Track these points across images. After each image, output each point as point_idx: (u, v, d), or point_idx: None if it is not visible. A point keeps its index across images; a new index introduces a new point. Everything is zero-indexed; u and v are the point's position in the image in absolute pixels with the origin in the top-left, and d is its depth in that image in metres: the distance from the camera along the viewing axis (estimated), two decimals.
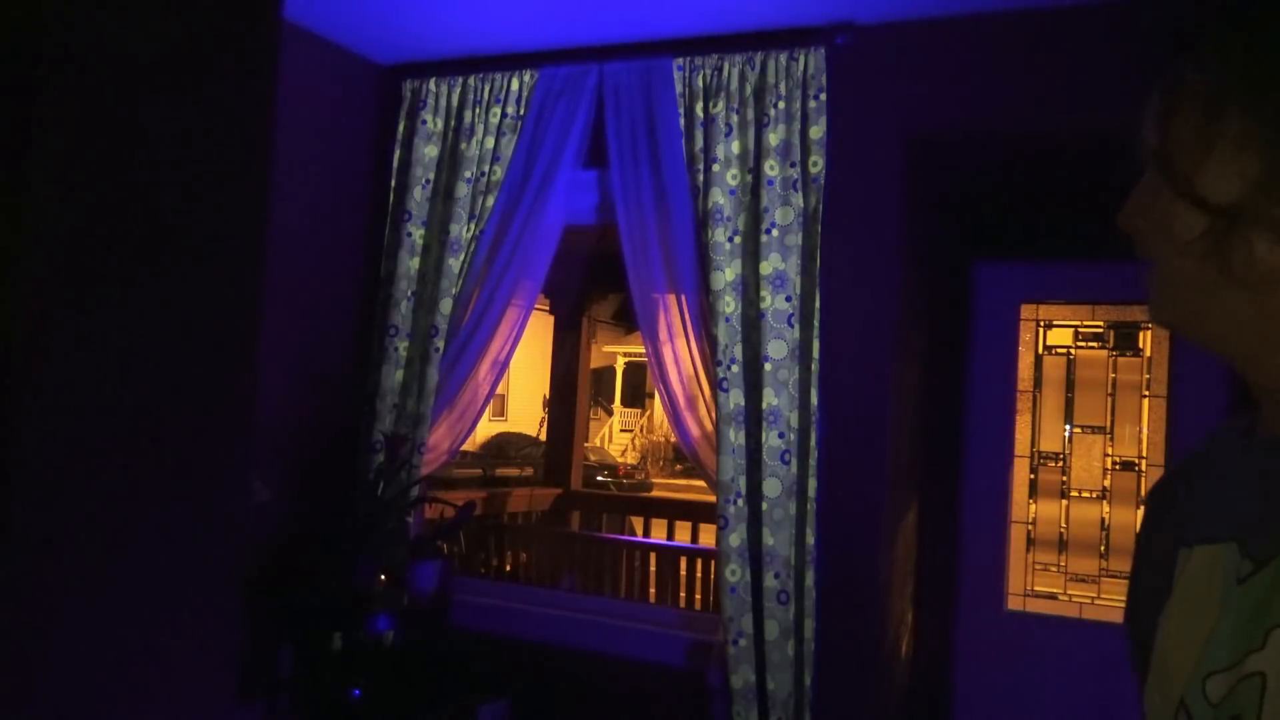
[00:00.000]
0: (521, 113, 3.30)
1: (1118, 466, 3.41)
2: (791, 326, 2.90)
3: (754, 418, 2.92)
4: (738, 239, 2.98)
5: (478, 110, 3.34)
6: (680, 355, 3.12)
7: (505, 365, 3.44)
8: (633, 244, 3.15)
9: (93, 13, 1.25)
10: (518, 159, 3.30)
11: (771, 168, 2.92)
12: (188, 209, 1.40)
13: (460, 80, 3.38)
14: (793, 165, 2.92)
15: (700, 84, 3.05)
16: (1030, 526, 3.47)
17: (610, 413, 24.33)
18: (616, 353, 23.64)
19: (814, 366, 2.90)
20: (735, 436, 2.92)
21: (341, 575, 3.09)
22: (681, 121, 3.07)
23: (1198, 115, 0.69)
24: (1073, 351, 3.47)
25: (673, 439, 14.98)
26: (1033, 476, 3.49)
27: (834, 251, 2.93)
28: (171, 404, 1.39)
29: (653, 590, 4.69)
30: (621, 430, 24.07)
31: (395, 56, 3.49)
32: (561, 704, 3.26)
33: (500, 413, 20.55)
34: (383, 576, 3.12)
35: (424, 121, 3.40)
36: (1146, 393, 3.38)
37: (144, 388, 1.35)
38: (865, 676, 2.96)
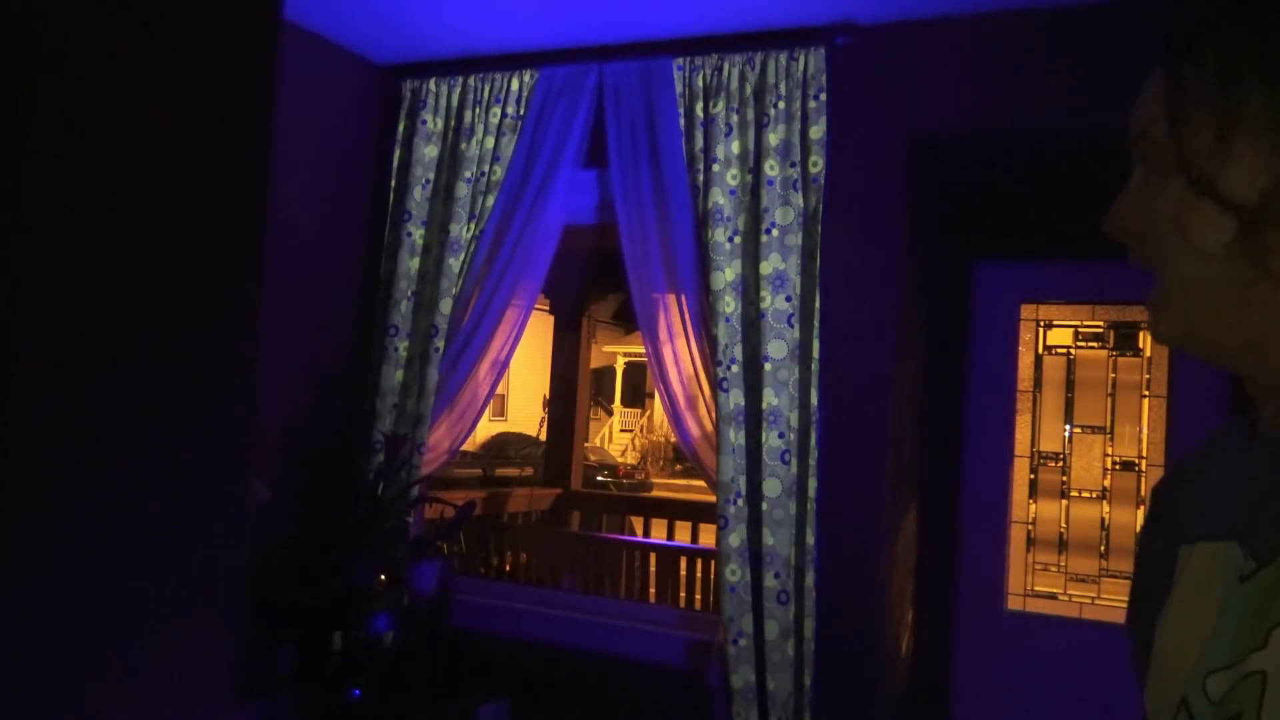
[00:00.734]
0: (521, 113, 3.30)
1: (1118, 466, 3.41)
2: (791, 326, 2.90)
3: (754, 418, 2.92)
4: (738, 239, 2.98)
5: (478, 110, 3.34)
6: (680, 355, 3.12)
7: (505, 365, 3.44)
8: (633, 244, 3.15)
9: (92, 12, 1.25)
10: (518, 159, 3.30)
11: (771, 168, 2.92)
12: (187, 209, 1.40)
13: (460, 80, 3.38)
14: (793, 165, 2.92)
15: (700, 84, 3.05)
16: (1030, 526, 3.47)
17: (610, 413, 24.33)
18: (616, 353, 23.64)
19: (814, 366, 2.90)
20: (735, 436, 2.91)
21: (341, 575, 3.09)
22: (681, 121, 3.07)
23: (1211, 114, 0.68)
24: (1073, 351, 3.48)
25: (673, 439, 14.99)
26: (1033, 476, 3.49)
27: (834, 251, 2.93)
28: (172, 404, 1.39)
29: (653, 590, 4.69)
30: (621, 430, 24.07)
31: (395, 56, 3.49)
32: (561, 704, 3.26)
33: (500, 413, 20.56)
34: (383, 576, 3.12)
35: (424, 121, 3.40)
36: (1146, 393, 3.38)
37: (144, 388, 1.34)
38: (865, 676, 2.96)
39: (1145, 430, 3.38)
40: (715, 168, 2.98)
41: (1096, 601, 3.37)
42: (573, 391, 5.73)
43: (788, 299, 2.90)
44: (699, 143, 3.02)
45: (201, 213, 1.42)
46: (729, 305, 2.95)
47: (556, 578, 4.83)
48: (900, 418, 3.07)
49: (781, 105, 2.93)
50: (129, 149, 1.31)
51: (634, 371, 23.52)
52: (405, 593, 3.18)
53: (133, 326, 1.33)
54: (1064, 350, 3.48)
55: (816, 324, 2.91)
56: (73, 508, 1.26)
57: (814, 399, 2.89)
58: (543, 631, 3.32)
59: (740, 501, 2.91)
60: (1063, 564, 3.43)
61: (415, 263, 3.38)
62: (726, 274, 2.96)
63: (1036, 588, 3.45)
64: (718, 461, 2.93)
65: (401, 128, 3.45)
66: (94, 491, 1.28)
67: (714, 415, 2.99)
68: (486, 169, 3.32)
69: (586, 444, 7.48)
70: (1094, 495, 3.43)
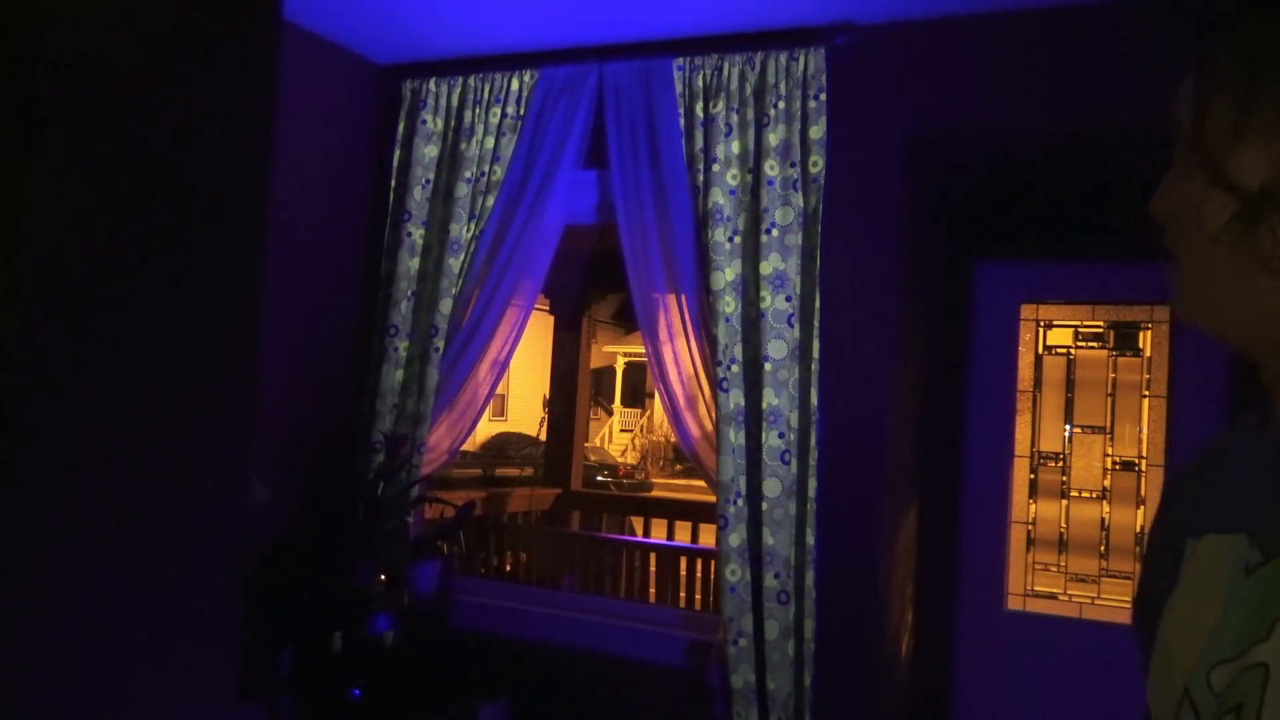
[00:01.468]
0: (521, 113, 3.30)
1: (1118, 466, 3.41)
2: (791, 326, 2.90)
3: (754, 418, 2.92)
4: (738, 239, 2.98)
5: (478, 110, 3.34)
6: (680, 355, 3.12)
7: (505, 365, 3.44)
8: (633, 244, 3.15)
9: (92, 13, 1.25)
10: (518, 159, 3.30)
11: (771, 168, 2.92)
12: (187, 209, 1.40)
13: (460, 80, 3.38)
14: (793, 165, 2.92)
15: (700, 84, 3.05)
16: (1030, 526, 3.47)
17: (610, 413, 24.33)
18: (616, 353, 23.64)
19: (814, 366, 2.90)
20: (735, 436, 2.91)
21: (341, 575, 3.08)
22: (681, 121, 3.07)
23: (1230, 101, 0.69)
24: (1073, 351, 3.47)
25: (673, 439, 14.99)
26: (1033, 476, 3.49)
27: (834, 251, 2.93)
28: (171, 404, 1.39)
29: (653, 590, 4.69)
30: (621, 430, 24.07)
31: (395, 56, 3.49)
32: (561, 704, 3.26)
33: (500, 413, 20.56)
34: (383, 576, 3.12)
35: (424, 121, 3.40)
36: (1146, 393, 3.38)
37: (143, 388, 1.34)
38: (865, 676, 2.96)
39: (1145, 430, 3.38)
40: (715, 168, 2.98)
41: (1096, 601, 3.37)
42: (573, 391, 5.73)
43: (788, 299, 2.90)
44: (699, 143, 3.02)
45: (201, 213, 1.42)
46: (729, 305, 2.95)
47: (556, 578, 4.83)
48: (900, 418, 3.07)
49: (781, 105, 2.93)
50: (129, 149, 1.31)
51: (634, 371, 23.52)
52: (405, 593, 3.18)
53: (133, 326, 1.33)
54: (1064, 350, 3.48)
55: (816, 324, 2.91)
56: (72, 508, 1.26)
57: (814, 399, 2.89)
58: (543, 631, 3.32)
59: (740, 501, 2.91)
60: (1063, 564, 3.43)
61: (415, 263, 3.38)
62: (726, 274, 2.96)
63: (1036, 588, 3.45)
64: (718, 461, 2.93)
65: (401, 128, 3.45)
66: (93, 492, 1.28)
67: (714, 415, 2.99)
68: (486, 169, 3.32)
69: (586, 444, 7.48)
70: (1094, 495, 3.43)
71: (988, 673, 3.43)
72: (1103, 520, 3.41)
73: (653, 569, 4.75)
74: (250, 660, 2.75)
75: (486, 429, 17.90)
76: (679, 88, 3.07)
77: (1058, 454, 3.47)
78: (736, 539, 2.90)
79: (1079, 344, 3.47)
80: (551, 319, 6.23)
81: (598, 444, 20.88)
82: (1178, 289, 0.75)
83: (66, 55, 1.21)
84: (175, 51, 1.37)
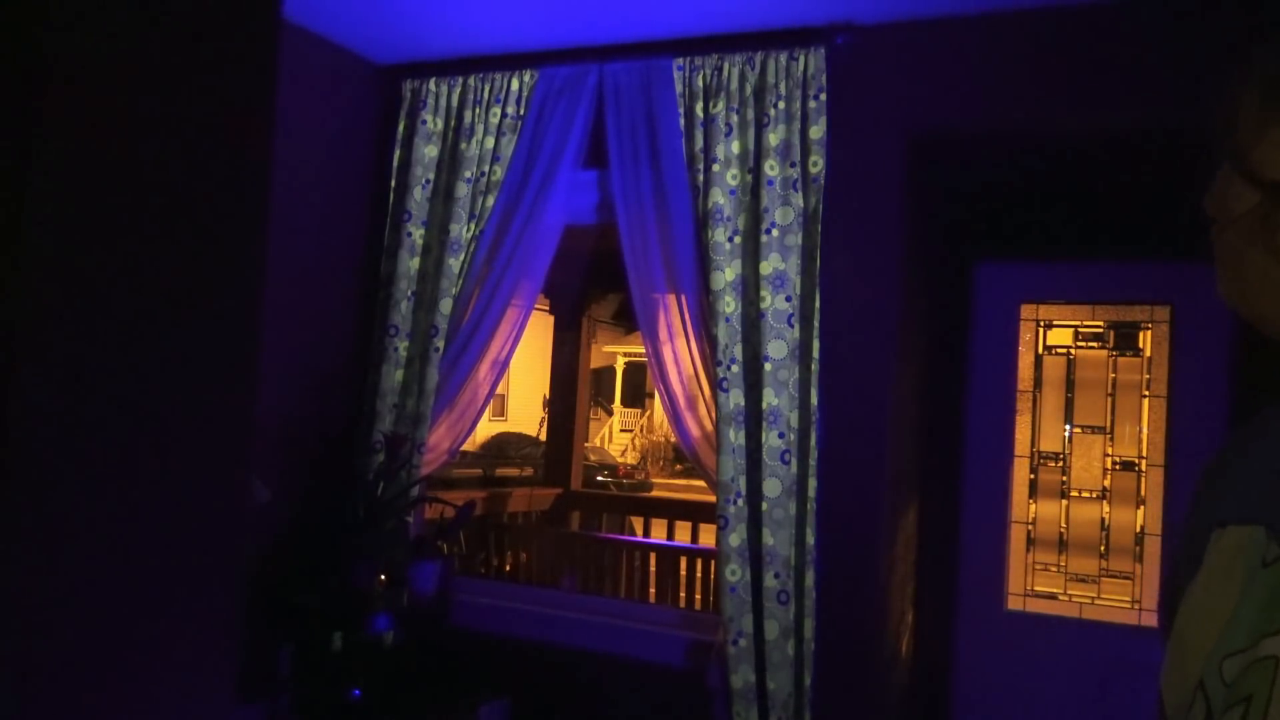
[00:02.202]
0: (521, 113, 3.30)
1: (1118, 466, 3.41)
2: (791, 326, 2.90)
3: (754, 418, 2.92)
4: (738, 239, 2.98)
5: (478, 110, 3.34)
6: (680, 355, 3.12)
7: (505, 365, 3.44)
8: (633, 244, 3.15)
9: (92, 13, 1.25)
10: (518, 159, 3.30)
11: (771, 168, 2.93)
12: (187, 209, 1.40)
13: (460, 80, 3.38)
14: (793, 165, 2.92)
15: (700, 84, 3.05)
16: (1030, 526, 3.47)
17: (610, 413, 24.33)
18: (616, 353, 23.64)
19: (814, 366, 2.90)
20: (735, 436, 2.92)
21: (341, 575, 3.08)
22: (681, 121, 3.07)
23: (1258, 97, 0.71)
24: (1073, 351, 3.48)
25: (673, 439, 14.98)
26: (1033, 476, 3.49)
27: (834, 251, 2.93)
28: (171, 404, 1.39)
29: (653, 590, 4.69)
30: (621, 430, 24.07)
31: (395, 56, 3.49)
32: (561, 704, 3.26)
33: (500, 413, 20.56)
34: (383, 576, 3.12)
35: (424, 121, 3.40)
36: (1146, 393, 3.38)
37: (143, 387, 1.34)
38: (865, 676, 2.96)
39: (1145, 430, 3.38)
40: (715, 168, 2.98)
41: (1096, 602, 3.37)
42: (573, 391, 5.74)
43: (788, 299, 2.90)
44: (699, 143, 3.03)
45: (201, 213, 1.42)
46: (729, 305, 2.95)
47: (556, 578, 4.83)
48: (900, 418, 3.07)
49: (781, 105, 2.93)
50: (129, 149, 1.31)
51: (634, 371, 23.53)
52: (405, 593, 3.18)
53: (133, 326, 1.33)
54: (1064, 350, 3.48)
55: (816, 324, 2.91)
56: (72, 507, 1.26)
57: (814, 399, 2.89)
58: (543, 631, 3.32)
59: (740, 501, 2.91)
60: (1063, 564, 3.43)
61: (415, 263, 3.38)
62: (726, 274, 2.96)
63: (1036, 588, 3.45)
64: (718, 461, 2.93)
65: (401, 128, 3.45)
66: (93, 491, 1.28)
67: (714, 415, 2.99)
68: (486, 169, 3.32)
69: (586, 444, 7.48)
70: (1094, 495, 3.43)
71: (987, 673, 3.43)
72: (1103, 520, 3.41)
73: (653, 569, 4.75)
74: (250, 660, 2.76)
75: (486, 429, 17.89)
76: (679, 88, 3.07)
77: (1058, 454, 3.47)
78: (736, 539, 2.90)
79: (1079, 344, 3.47)
80: (551, 319, 6.24)
81: (598, 444, 20.88)
82: (1219, 277, 0.78)
83: (66, 55, 1.22)
84: (175, 51, 1.37)
